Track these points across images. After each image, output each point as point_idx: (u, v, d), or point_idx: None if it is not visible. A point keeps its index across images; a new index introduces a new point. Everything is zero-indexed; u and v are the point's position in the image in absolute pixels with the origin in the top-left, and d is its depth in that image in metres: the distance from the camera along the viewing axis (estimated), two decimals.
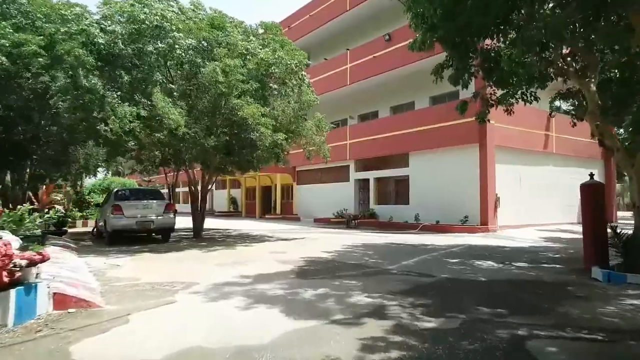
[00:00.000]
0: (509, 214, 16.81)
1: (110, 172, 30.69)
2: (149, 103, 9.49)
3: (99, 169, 32.45)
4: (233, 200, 34.77)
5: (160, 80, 10.34)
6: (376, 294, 5.42)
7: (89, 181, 38.18)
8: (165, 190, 19.93)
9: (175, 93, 10.18)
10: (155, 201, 11.91)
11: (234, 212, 33.55)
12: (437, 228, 16.72)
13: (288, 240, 12.91)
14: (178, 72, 10.69)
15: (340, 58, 23.40)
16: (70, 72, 9.44)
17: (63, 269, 6.22)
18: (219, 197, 36.92)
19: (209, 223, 22.21)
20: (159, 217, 11.65)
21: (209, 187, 13.24)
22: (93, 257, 8.96)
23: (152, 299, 5.07)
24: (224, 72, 9.77)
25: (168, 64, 10.47)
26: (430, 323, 4.19)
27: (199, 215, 12.99)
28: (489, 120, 11.07)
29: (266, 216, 27.54)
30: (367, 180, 22.10)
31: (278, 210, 27.63)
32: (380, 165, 21.35)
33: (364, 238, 13.83)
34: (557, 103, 14.05)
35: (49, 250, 8.59)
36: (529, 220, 17.73)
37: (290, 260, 8.41)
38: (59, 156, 18.85)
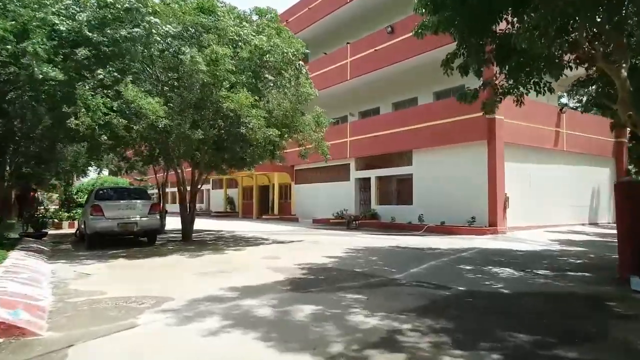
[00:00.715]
0: (517, 214, 15.87)
1: (102, 171, 29.67)
2: (130, 91, 8.51)
3: (90, 168, 31.43)
4: (230, 200, 33.80)
5: (137, 70, 9.34)
6: (384, 314, 4.47)
7: (84, 181, 37.26)
8: (155, 190, 18.98)
9: (156, 83, 9.21)
10: (139, 201, 10.94)
11: (230, 212, 32.59)
12: (443, 229, 15.78)
13: (284, 243, 11.96)
14: (159, 60, 9.67)
15: (340, 52, 22.45)
16: (27, 62, 8.45)
17: (14, 280, 5.27)
18: (216, 197, 35.96)
19: (204, 224, 21.29)
20: (143, 219, 10.69)
21: (199, 186, 12.30)
22: (63, 264, 8.01)
23: (109, 322, 4.11)
24: (211, 61, 8.82)
25: (147, 51, 9.45)
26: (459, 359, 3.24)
27: (188, 217, 12.04)
28: (493, 110, 10.11)
29: (263, 217, 26.59)
30: (368, 180, 21.14)
31: (276, 211, 26.68)
32: (382, 163, 20.40)
33: (365, 240, 12.90)
34: (566, 99, 13.08)
35: (13, 256, 7.65)
36: (538, 221, 16.80)
37: (285, 268, 7.46)
38: (44, 153, 17.87)
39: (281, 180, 27.02)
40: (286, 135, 11.32)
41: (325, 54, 24.02)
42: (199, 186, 12.22)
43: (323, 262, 8.19)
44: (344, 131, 22.28)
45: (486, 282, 6.40)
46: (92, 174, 40.13)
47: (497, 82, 10.09)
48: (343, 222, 19.38)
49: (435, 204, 17.19)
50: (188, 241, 12.02)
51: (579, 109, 11.15)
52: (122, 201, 10.77)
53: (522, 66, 8.70)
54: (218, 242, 11.89)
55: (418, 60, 18.53)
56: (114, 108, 8.72)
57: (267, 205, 28.49)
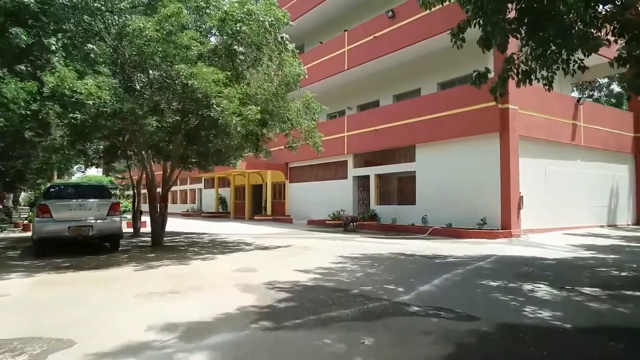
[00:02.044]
0: (531, 215, 14.24)
1: (85, 170, 27.92)
2: (55, 73, 6.71)
3: (74, 166, 29.58)
4: (222, 200, 32.09)
5: (71, 43, 7.58)
6: None
7: (73, 180, 35.48)
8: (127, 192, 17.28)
9: (99, 58, 7.48)
10: (96, 200, 9.22)
11: (222, 213, 30.88)
12: (450, 232, 14.13)
13: (268, 249, 10.30)
14: (105, 30, 7.87)
15: (337, 40, 20.79)
16: None
17: None
18: (208, 197, 34.23)
19: (188, 226, 19.56)
20: (99, 221, 8.98)
21: (172, 183, 10.61)
22: None
23: None
24: (161, 24, 7.13)
25: (94, 21, 7.69)
26: None
27: (158, 219, 10.34)
28: (503, 94, 8.41)
29: (255, 218, 24.90)
30: (367, 177, 19.48)
31: (268, 211, 24.99)
32: (383, 160, 18.75)
33: (364, 245, 11.25)
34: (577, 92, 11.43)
35: None
36: (553, 223, 15.17)
37: (257, 287, 5.80)
38: (7, 150, 16.16)
39: (274, 178, 25.35)
40: (269, 123, 9.65)
41: (321, 42, 22.37)
42: (172, 183, 10.54)
43: (309, 278, 6.52)
44: (341, 125, 20.62)
45: (525, 308, 4.75)
46: (79, 172, 38.41)
47: (517, 59, 8.35)
48: (340, 223, 17.74)
49: (440, 204, 15.56)
50: (158, 247, 10.35)
51: (623, 89, 9.39)
52: (74, 200, 9.06)
53: (556, 35, 7.03)
54: (191, 248, 10.20)
55: (421, 48, 16.90)
56: (46, 94, 6.94)
57: (261, 205, 26.82)
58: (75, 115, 7.01)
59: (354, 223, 16.88)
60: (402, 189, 18.28)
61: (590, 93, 30.50)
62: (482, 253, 9.65)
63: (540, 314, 4.54)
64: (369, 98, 21.38)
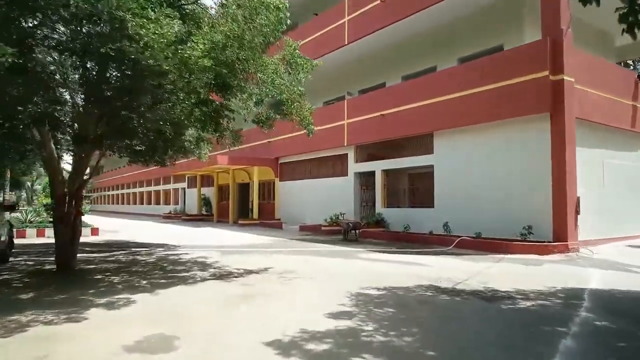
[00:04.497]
0: (587, 222, 10.86)
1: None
2: None
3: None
4: (206, 201, 28.58)
5: None
6: None
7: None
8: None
9: None
10: None
11: (205, 215, 27.39)
12: (484, 245, 10.71)
13: (232, 278, 6.84)
14: None
15: (336, 10, 17.36)
16: None
17: None
18: (192, 197, 30.68)
19: (154, 233, 15.85)
20: None
21: (87, 178, 7.13)
22: None
23: None
24: None
25: None
26: None
27: (66, 231, 6.84)
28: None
29: (240, 222, 21.41)
30: (371, 174, 16.03)
31: (255, 214, 21.52)
32: (391, 152, 15.32)
33: (374, 268, 7.84)
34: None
35: None
36: (612, 231, 11.83)
37: None
38: None
39: (262, 176, 21.89)
40: (232, 84, 6.21)
41: (316, 14, 18.92)
42: (87, 178, 7.04)
43: None
44: (340, 111, 17.17)
45: None
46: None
47: None
48: (338, 229, 14.31)
49: (466, 207, 12.16)
50: (62, 274, 6.86)
51: None
52: None
53: None
54: (112, 278, 6.69)
55: (439, 13, 13.52)
56: None
57: (248, 206, 23.35)
58: None
59: (356, 230, 13.44)
60: (416, 188, 14.87)
61: None
62: (555, 285, 6.28)
63: None
64: (373, 81, 17.96)
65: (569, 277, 7.00)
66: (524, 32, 12.51)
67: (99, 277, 6.72)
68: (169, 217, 29.84)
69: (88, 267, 7.75)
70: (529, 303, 5.18)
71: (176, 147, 7.96)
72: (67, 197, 6.74)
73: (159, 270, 7.41)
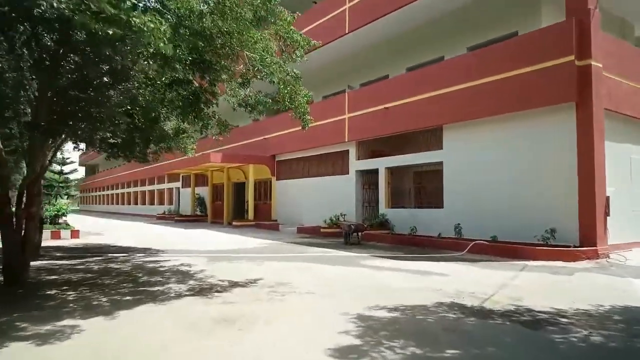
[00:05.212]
0: (616, 224, 9.75)
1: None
2: None
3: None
4: (200, 201, 27.44)
5: None
6: None
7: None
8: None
9: None
10: None
11: (200, 216, 26.25)
12: (501, 250, 9.58)
13: (214, 292, 5.74)
14: None
15: None
16: None
17: None
18: (187, 197, 29.50)
19: (140, 235, 14.60)
20: None
21: (42, 171, 6.01)
22: None
23: None
24: None
25: None
26: None
27: (15, 237, 5.71)
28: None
29: (234, 223, 20.27)
30: (375, 172, 14.90)
31: (250, 215, 20.38)
32: (396, 148, 14.21)
33: (380, 279, 6.71)
34: None
35: None
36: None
37: None
38: None
39: (258, 174, 20.76)
40: (212, 62, 5.09)
41: (315, 2, 17.80)
42: (39, 173, 5.91)
43: None
44: (341, 105, 16.05)
45: None
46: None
47: None
48: (339, 232, 13.20)
49: (480, 207, 11.06)
50: (9, 288, 5.74)
51: None
52: None
53: None
54: (67, 294, 5.56)
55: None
56: None
57: (244, 207, 22.22)
58: None
59: (358, 233, 12.31)
60: (424, 187, 13.76)
61: None
62: (599, 302, 5.18)
63: None
64: (375, 73, 16.85)
65: (610, 291, 5.90)
66: (541, 16, 11.43)
67: (52, 292, 5.59)
68: (162, 218, 28.73)
69: (47, 278, 6.62)
70: (583, 331, 4.06)
71: (154, 139, 6.85)
72: (12, 199, 5.61)
73: (130, 283, 6.28)
